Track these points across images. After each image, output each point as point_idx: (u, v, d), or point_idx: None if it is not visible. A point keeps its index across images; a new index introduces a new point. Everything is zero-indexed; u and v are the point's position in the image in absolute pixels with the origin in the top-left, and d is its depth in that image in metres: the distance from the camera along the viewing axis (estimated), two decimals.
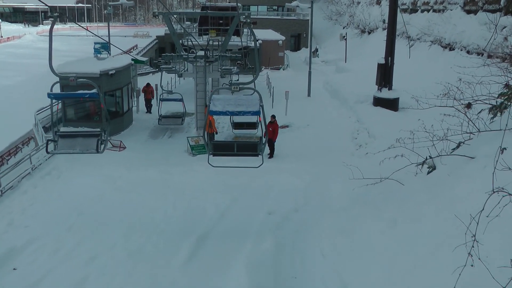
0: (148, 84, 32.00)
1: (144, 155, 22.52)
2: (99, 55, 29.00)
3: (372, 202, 14.63)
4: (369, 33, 57.34)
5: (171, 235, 14.64)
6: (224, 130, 26.51)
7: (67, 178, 19.04)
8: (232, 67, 23.79)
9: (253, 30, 14.43)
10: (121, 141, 23.44)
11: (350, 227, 13.59)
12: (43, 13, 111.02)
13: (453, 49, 34.80)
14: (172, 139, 25.99)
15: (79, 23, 49.56)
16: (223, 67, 23.95)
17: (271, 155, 22.59)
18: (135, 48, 62.05)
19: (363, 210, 14.46)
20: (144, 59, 38.85)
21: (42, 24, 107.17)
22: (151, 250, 13.85)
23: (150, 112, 31.35)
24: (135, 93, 31.28)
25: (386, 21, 30.84)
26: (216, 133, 24.11)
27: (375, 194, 15.21)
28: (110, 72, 24.77)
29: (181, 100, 26.65)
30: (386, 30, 29.14)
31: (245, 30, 39.39)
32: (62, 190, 17.99)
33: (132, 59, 32.65)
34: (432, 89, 17.22)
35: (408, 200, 13.24)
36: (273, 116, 22.72)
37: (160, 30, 73.85)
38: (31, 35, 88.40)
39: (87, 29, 23.13)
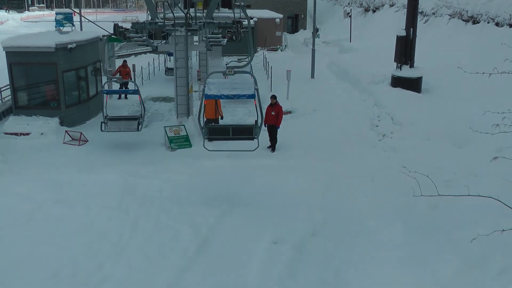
0: (124, 64, 26.99)
1: (108, 151, 17.68)
2: (61, 27, 24.18)
3: (440, 225, 10.03)
4: (374, 11, 52.92)
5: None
6: None
7: None
8: (221, 38, 18.78)
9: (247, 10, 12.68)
10: (81, 133, 18.60)
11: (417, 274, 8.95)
12: None
13: (478, 22, 30.34)
14: (147, 129, 21.05)
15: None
16: (209, 37, 18.94)
17: (272, 147, 17.81)
18: None
19: (431, 239, 9.79)
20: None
21: (28, 10, 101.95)
22: None
23: (126, 98, 26.41)
24: (107, 74, 26.34)
25: None
26: (222, 118, 19.99)
27: (438, 212, 10.67)
28: (70, 46, 19.81)
29: (136, 92, 18.45)
30: None
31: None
32: None
33: (106, 36, 27.68)
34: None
35: None
36: (274, 97, 17.96)
37: None
38: (14, 21, 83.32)
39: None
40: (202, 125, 12.94)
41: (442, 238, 10.21)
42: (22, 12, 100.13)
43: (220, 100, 18.26)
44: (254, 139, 13.00)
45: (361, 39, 44.02)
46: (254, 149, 13.17)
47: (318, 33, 55.00)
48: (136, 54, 41.20)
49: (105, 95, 18.11)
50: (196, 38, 26.90)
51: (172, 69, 26.12)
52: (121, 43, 36.23)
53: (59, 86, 19.78)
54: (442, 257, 9.53)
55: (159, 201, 12.95)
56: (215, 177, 14.67)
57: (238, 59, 29.31)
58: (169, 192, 13.52)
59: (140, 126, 17.95)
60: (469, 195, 8.94)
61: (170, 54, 30.01)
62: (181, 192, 13.52)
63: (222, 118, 19.99)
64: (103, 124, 17.63)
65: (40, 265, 10.04)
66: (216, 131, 13.64)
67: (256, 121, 13.10)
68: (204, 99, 12.47)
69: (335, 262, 10.00)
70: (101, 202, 12.70)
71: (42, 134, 18.67)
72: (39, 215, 12.18)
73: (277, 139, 17.84)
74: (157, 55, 35.00)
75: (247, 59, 23.30)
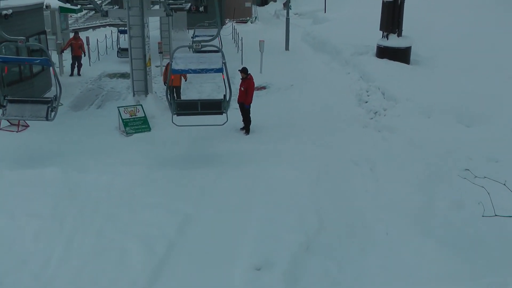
0: (76, 36, 23.86)
1: (52, 138, 14.75)
2: None
3: (473, 232, 7.46)
4: None
5: None
6: None
7: None
8: (184, 3, 16.02)
9: None
10: None
11: None
12: None
13: None
14: (101, 110, 18.23)
15: None
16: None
17: (246, 129, 15.19)
18: None
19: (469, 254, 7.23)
20: (76, 7, 30.17)
21: None
22: None
23: (79, 74, 23.35)
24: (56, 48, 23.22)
25: None
26: (186, 80, 19.03)
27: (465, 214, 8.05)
28: (4, 12, 16.66)
29: (43, 63, 14.38)
30: None
31: None
32: None
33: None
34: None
35: None
36: (244, 70, 15.24)
37: None
38: None
39: None
40: (170, 100, 12.89)
41: (484, 253, 7.70)
42: None
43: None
44: (223, 114, 12.82)
45: (335, 9, 41.41)
46: (223, 124, 12.91)
47: (290, 3, 52.56)
48: (94, 28, 37.85)
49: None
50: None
51: (126, 49, 23.44)
52: (76, 14, 32.93)
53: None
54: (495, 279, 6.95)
55: (105, 204, 10.10)
56: (177, 169, 11.93)
57: (206, 22, 26.78)
58: (119, 191, 10.68)
59: (52, 114, 13.23)
60: None
61: (122, 32, 26.91)
62: (135, 190, 10.73)
63: (185, 80, 19.08)
64: (2, 108, 13.38)
65: None
66: (184, 105, 13.40)
67: (225, 96, 12.88)
68: (171, 74, 12.50)
69: None
70: (30, 209, 9.78)
71: None
72: None
73: (251, 120, 15.23)
74: (116, 28, 31.92)
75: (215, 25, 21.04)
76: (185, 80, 18.90)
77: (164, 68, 18.59)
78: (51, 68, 14.10)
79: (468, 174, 10.39)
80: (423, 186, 10.24)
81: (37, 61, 13.65)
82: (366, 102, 16.80)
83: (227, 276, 7.84)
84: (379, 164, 11.79)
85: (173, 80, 16.37)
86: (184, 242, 8.84)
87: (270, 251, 8.34)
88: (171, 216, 9.60)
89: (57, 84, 13.39)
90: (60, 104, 13.79)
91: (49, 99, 13.49)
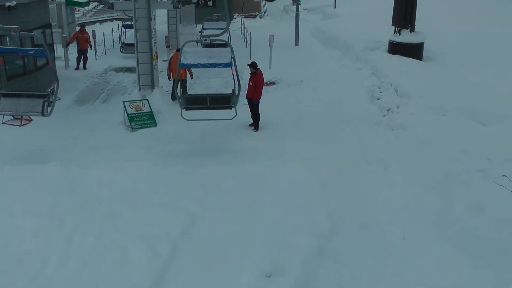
0: (82, 29, 23.47)
1: (55, 133, 14.40)
2: None
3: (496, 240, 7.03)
4: None
5: None
6: None
7: None
8: None
9: None
10: None
11: None
12: None
13: None
14: (107, 104, 17.86)
15: None
16: None
17: (255, 126, 14.77)
18: None
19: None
20: (82, 0, 29.75)
21: None
22: None
23: (85, 68, 22.97)
24: (62, 41, 22.82)
25: None
26: (192, 77, 18.82)
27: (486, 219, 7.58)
28: (8, 4, 16.28)
29: (38, 53, 12.60)
30: None
31: None
32: None
33: None
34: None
35: None
36: (253, 65, 14.78)
37: None
38: None
39: None
40: (179, 95, 13.03)
41: (508, 260, 7.21)
42: None
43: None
44: (232, 108, 12.86)
45: (345, 4, 40.87)
46: (232, 118, 12.97)
47: None
48: (101, 22, 37.48)
49: None
50: None
51: (129, 44, 23.76)
52: (83, 8, 32.53)
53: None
54: None
55: (107, 201, 9.69)
56: (183, 166, 11.50)
57: (214, 15, 26.38)
58: (122, 187, 10.25)
59: (49, 109, 12.50)
60: None
61: (126, 27, 26.41)
62: (138, 187, 10.29)
63: (192, 78, 18.78)
64: None
65: None
66: (193, 100, 13.31)
67: (234, 90, 12.83)
68: (180, 68, 12.64)
69: None
70: (29, 206, 9.37)
71: None
72: None
73: (259, 116, 14.81)
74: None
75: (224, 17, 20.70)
76: (191, 78, 18.62)
77: (168, 62, 18.15)
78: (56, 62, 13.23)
79: (486, 175, 9.99)
80: (439, 187, 9.73)
81: (31, 52, 12.72)
82: (378, 99, 16.30)
83: (235, 282, 7.35)
84: (393, 163, 11.29)
85: (181, 74, 16.05)
86: (189, 243, 8.37)
87: (280, 255, 7.85)
88: (176, 215, 9.15)
89: (54, 77, 13.02)
90: (58, 98, 13.21)
91: (46, 93, 12.74)
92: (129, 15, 26.06)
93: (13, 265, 7.82)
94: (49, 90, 12.89)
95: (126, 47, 25.13)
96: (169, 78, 17.68)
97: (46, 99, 12.42)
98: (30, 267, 7.77)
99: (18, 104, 12.42)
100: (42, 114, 12.36)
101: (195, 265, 7.80)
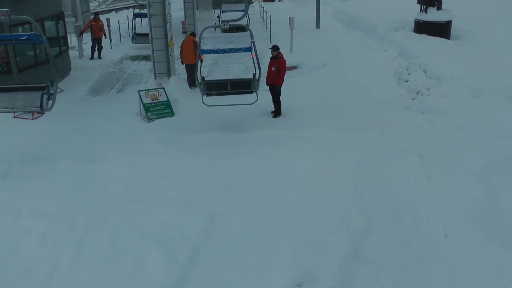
0: (96, 17, 22.83)
1: (68, 125, 13.77)
2: None
3: None
4: None
5: None
6: None
7: None
8: None
9: None
10: None
11: None
12: None
13: None
14: (122, 94, 17.22)
15: None
16: None
17: (276, 112, 14.01)
18: None
19: None
20: None
21: None
22: None
23: (100, 57, 22.35)
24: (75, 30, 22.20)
25: None
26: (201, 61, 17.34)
27: None
28: None
29: (35, 38, 10.79)
30: None
31: None
32: None
33: None
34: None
35: None
36: (275, 48, 13.98)
37: None
38: None
39: None
40: (200, 81, 12.90)
41: None
42: None
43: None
44: (253, 93, 12.80)
45: None
46: (253, 102, 12.91)
47: None
48: (117, 10, 36.88)
49: None
50: None
51: (141, 34, 23.17)
52: None
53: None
54: None
55: (122, 200, 9.02)
56: (202, 158, 10.80)
57: None
58: (138, 184, 9.60)
59: (49, 103, 11.24)
60: None
61: (138, 15, 25.43)
62: (154, 183, 9.62)
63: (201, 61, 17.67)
64: None
65: None
66: (214, 85, 13.23)
67: (254, 75, 12.74)
68: (200, 55, 12.44)
69: None
70: (39, 207, 8.76)
71: None
72: None
73: (280, 102, 14.05)
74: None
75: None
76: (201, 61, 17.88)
77: (180, 48, 17.40)
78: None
79: None
80: (481, 177, 8.87)
81: (24, 37, 10.81)
82: (407, 81, 15.39)
83: None
84: (427, 151, 10.45)
85: (187, 58, 16.57)
86: (209, 247, 7.65)
87: (312, 260, 7.06)
88: (195, 214, 8.45)
89: (53, 66, 11.86)
90: (59, 90, 12.21)
91: (44, 85, 11.32)
92: (139, 2, 25.15)
93: (18, 275, 7.20)
94: (48, 81, 11.51)
95: (138, 37, 24.12)
96: (182, 62, 17.12)
97: (45, 91, 11.19)
98: (36, 276, 7.12)
99: (15, 99, 11.11)
100: (41, 109, 11.17)
101: (216, 273, 7.06)
